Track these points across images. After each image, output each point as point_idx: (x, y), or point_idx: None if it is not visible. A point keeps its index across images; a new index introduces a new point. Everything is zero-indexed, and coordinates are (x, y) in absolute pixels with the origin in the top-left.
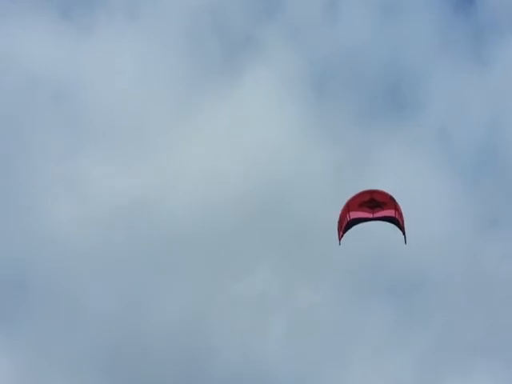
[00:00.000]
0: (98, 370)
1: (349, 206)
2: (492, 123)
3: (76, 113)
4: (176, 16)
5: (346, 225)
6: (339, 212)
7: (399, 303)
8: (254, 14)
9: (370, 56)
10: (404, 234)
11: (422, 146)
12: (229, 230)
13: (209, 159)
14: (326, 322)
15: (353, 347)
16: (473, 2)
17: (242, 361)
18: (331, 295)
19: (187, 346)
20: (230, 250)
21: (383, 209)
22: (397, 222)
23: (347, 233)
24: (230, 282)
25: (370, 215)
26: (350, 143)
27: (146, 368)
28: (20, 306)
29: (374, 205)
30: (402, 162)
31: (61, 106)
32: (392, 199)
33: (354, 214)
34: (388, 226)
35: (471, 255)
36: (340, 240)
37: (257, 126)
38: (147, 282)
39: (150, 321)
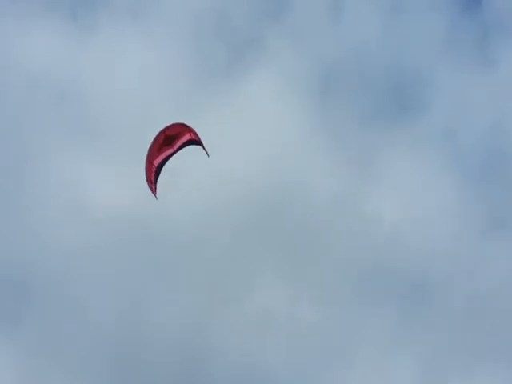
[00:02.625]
0: (99, 371)
1: (149, 157)
2: (498, 124)
3: (78, 113)
4: (180, 17)
5: (154, 175)
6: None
7: (402, 305)
8: (258, 15)
9: (374, 57)
10: (204, 148)
11: (427, 147)
12: (231, 232)
13: (211, 161)
14: (328, 324)
15: (355, 349)
16: (478, 2)
17: (242, 362)
18: (333, 297)
19: (188, 346)
20: (231, 252)
21: (180, 138)
22: (195, 141)
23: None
24: (231, 285)
25: (171, 150)
26: (355, 144)
27: (146, 368)
28: (21, 306)
29: (170, 140)
30: (407, 162)
31: (64, 107)
32: (183, 125)
33: (158, 160)
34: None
35: (476, 256)
36: (155, 194)
37: (260, 127)
38: (148, 283)
39: (151, 322)
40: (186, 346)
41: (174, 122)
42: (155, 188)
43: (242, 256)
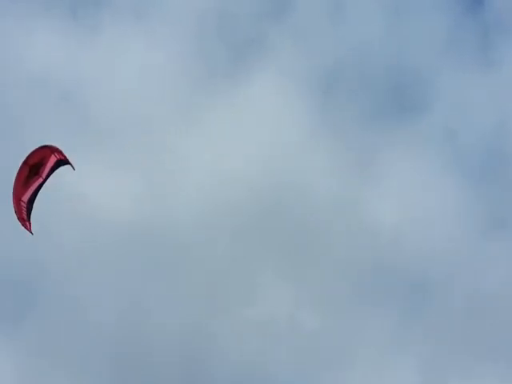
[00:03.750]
0: (100, 371)
1: (16, 194)
2: (499, 124)
3: (79, 114)
4: (182, 17)
5: (26, 212)
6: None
7: (402, 305)
8: (261, 14)
9: (376, 57)
10: (71, 164)
11: (427, 147)
12: (231, 232)
13: (214, 161)
14: (328, 324)
15: (355, 350)
16: (480, 2)
17: (243, 362)
18: (333, 297)
19: (188, 347)
20: (231, 252)
21: (46, 164)
22: (63, 161)
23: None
24: (232, 285)
25: (40, 180)
26: (356, 144)
27: (147, 368)
28: (22, 307)
29: (36, 169)
30: (408, 162)
31: (65, 107)
32: (44, 148)
33: (26, 196)
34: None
35: (476, 256)
36: (30, 231)
37: (261, 127)
38: (149, 283)
39: (152, 322)
40: (186, 347)
41: (34, 149)
42: (30, 224)
43: (242, 256)
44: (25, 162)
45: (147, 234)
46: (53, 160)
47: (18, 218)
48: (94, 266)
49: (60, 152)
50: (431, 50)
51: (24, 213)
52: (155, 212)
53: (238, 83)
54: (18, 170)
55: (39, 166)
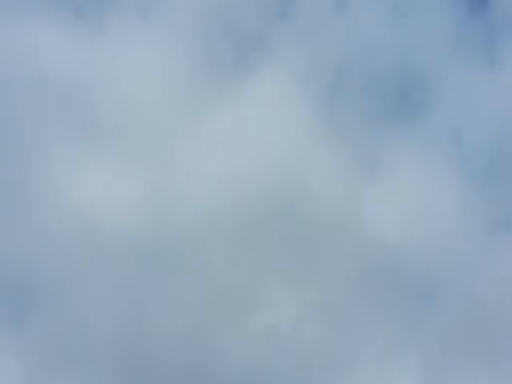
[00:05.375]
0: (102, 372)
1: None
2: (505, 124)
3: (85, 113)
4: (188, 16)
5: None
6: None
7: (410, 309)
8: (265, 13)
9: (382, 57)
10: None
11: (432, 147)
12: (235, 235)
13: (217, 161)
14: (330, 325)
15: (357, 351)
16: (486, 1)
17: (245, 370)
18: (335, 297)
19: (189, 354)
20: (235, 253)
21: None
22: None
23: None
24: (234, 286)
25: None
26: (362, 145)
27: (150, 371)
28: (27, 308)
29: None
30: (413, 163)
31: (69, 108)
32: None
33: None
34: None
35: (482, 258)
36: None
37: (266, 127)
38: (153, 284)
39: (156, 323)
40: (185, 354)
41: None
42: None
43: (244, 261)
44: None
45: (148, 238)
46: None
47: None
48: (95, 268)
49: None
50: (436, 49)
51: None
52: (156, 215)
53: (242, 82)
54: None
55: None
